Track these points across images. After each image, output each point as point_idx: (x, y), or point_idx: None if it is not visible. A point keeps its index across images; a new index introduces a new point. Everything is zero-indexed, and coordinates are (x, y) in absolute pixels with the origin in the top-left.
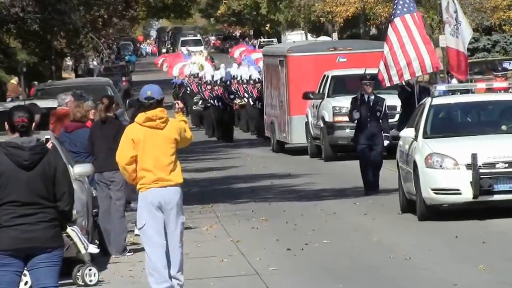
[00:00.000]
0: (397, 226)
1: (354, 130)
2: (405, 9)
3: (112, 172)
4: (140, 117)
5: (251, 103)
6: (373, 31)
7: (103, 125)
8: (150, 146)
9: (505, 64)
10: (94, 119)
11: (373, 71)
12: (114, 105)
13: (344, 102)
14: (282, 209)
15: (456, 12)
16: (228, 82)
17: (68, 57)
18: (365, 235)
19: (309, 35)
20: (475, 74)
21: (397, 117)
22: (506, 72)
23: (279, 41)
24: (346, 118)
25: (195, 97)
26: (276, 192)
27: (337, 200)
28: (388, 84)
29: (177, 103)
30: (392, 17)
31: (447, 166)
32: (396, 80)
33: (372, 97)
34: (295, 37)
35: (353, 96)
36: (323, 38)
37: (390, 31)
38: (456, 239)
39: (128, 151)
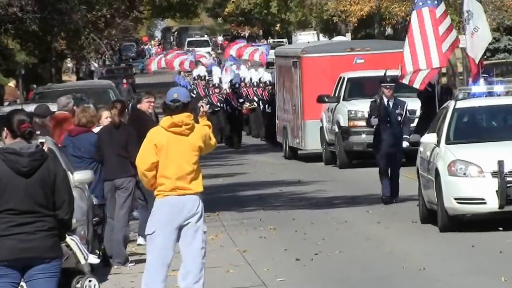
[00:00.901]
0: (411, 235)
1: (370, 136)
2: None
3: (122, 179)
4: (165, 121)
5: (261, 107)
6: (389, 31)
7: (116, 131)
8: (174, 153)
9: None
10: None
11: (394, 73)
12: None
13: (360, 106)
14: (291, 217)
15: (468, 11)
16: (237, 85)
17: (69, 59)
18: (378, 245)
19: (321, 35)
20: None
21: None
22: None
23: (290, 42)
24: (362, 123)
25: (201, 101)
26: (285, 200)
27: (349, 208)
28: (406, 82)
29: (202, 105)
30: (414, 8)
31: (471, 174)
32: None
33: (392, 100)
34: (306, 37)
35: (371, 100)
36: (339, 38)
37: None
38: (473, 248)
39: (149, 157)
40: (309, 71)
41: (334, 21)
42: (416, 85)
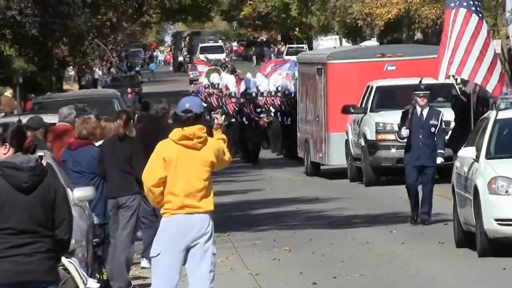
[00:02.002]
0: (437, 257)
1: (400, 150)
2: (472, 8)
3: (126, 197)
4: (176, 133)
5: (279, 118)
6: (418, 35)
7: (120, 143)
8: (183, 168)
9: None
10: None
11: (430, 81)
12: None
13: (389, 117)
14: (308, 237)
15: (510, 12)
16: (254, 94)
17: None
18: (402, 267)
19: (344, 40)
20: None
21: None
22: None
23: (310, 47)
24: (391, 136)
25: (213, 112)
26: (302, 219)
27: (370, 228)
28: (442, 77)
29: (216, 118)
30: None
31: None
32: (453, 71)
33: (426, 109)
34: (328, 42)
35: (403, 110)
36: (368, 42)
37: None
38: (504, 271)
39: (157, 171)
40: (335, 79)
41: (359, 25)
42: (478, 81)
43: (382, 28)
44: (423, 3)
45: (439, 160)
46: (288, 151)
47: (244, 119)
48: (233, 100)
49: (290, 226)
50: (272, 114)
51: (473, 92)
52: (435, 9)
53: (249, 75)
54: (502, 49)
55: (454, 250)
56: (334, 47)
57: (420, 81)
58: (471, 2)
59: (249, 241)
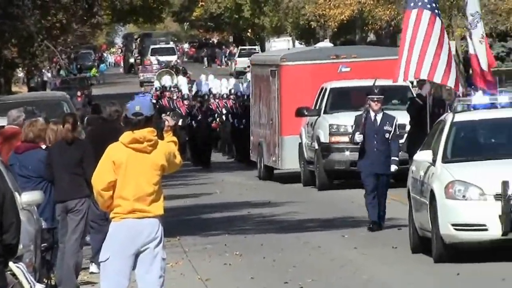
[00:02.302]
0: (390, 262)
1: (354, 153)
2: (428, 6)
3: (75, 201)
4: (126, 136)
5: (230, 121)
6: (371, 37)
7: (68, 147)
8: (133, 171)
9: None
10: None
11: (384, 82)
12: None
13: (343, 119)
14: (259, 242)
15: (473, 15)
16: (206, 97)
17: (20, 68)
18: (354, 272)
19: (296, 42)
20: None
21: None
22: None
23: (262, 49)
24: (346, 139)
25: (163, 114)
26: (253, 223)
27: (323, 232)
28: (401, 80)
29: (167, 119)
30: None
31: (471, 196)
32: (411, 75)
33: (380, 115)
34: (281, 44)
35: (357, 114)
36: (323, 44)
37: (412, 19)
38: (458, 276)
39: (107, 175)
40: (288, 81)
41: (312, 27)
42: (437, 80)
43: (335, 29)
44: (376, 4)
45: (393, 168)
46: (240, 154)
47: (194, 121)
48: (186, 102)
49: (241, 230)
50: (224, 116)
51: (429, 94)
52: (389, 10)
53: (203, 77)
54: (456, 51)
55: (408, 255)
56: (288, 49)
57: (374, 82)
58: (432, 3)
59: (199, 246)
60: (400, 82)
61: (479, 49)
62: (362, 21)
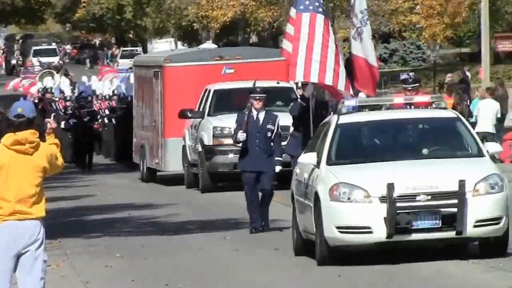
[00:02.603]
0: (272, 264)
1: (238, 155)
2: (320, 9)
3: None
4: (8, 138)
5: (114, 122)
6: (254, 38)
7: None
8: (15, 173)
9: (404, 75)
10: None
11: (265, 83)
12: None
13: (227, 121)
14: (140, 244)
15: (363, 12)
16: (89, 98)
17: None
18: (236, 274)
19: (179, 43)
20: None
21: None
22: (417, 84)
23: (145, 50)
24: (229, 141)
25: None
26: (135, 225)
27: (204, 234)
28: (300, 79)
29: (49, 122)
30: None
31: (356, 199)
32: (315, 78)
33: (263, 113)
34: (163, 45)
35: (239, 112)
36: (207, 45)
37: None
38: (340, 278)
39: None
40: (172, 83)
41: (194, 28)
42: (328, 81)
43: (218, 31)
44: (259, 6)
45: (277, 168)
46: (122, 156)
47: (77, 123)
48: (68, 104)
49: (122, 232)
50: (106, 118)
51: (312, 96)
52: (271, 12)
53: (84, 78)
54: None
55: (290, 258)
56: (172, 50)
57: (254, 84)
58: (317, 4)
59: (80, 248)
60: (300, 79)
61: (370, 46)
62: (245, 23)
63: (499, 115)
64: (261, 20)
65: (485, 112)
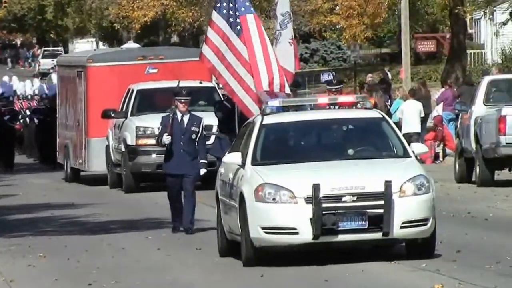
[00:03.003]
0: (195, 263)
1: (161, 156)
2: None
3: None
4: None
5: (35, 122)
6: (175, 38)
7: None
8: None
9: (325, 75)
10: None
11: (188, 84)
12: None
13: (150, 121)
14: (63, 243)
15: (284, 15)
16: (11, 99)
17: None
18: (158, 274)
19: (100, 43)
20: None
21: (213, 138)
22: (341, 86)
23: (66, 50)
24: (152, 141)
25: None
26: (57, 225)
27: (126, 234)
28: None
29: None
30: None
31: (282, 199)
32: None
33: (187, 116)
34: (84, 45)
35: (163, 115)
36: (130, 44)
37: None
38: (262, 278)
39: None
40: (95, 83)
41: (115, 28)
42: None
43: (139, 31)
44: (179, 7)
45: (203, 171)
46: (45, 156)
47: None
48: None
49: (45, 232)
50: (28, 118)
51: None
52: (193, 12)
53: (6, 78)
54: None
55: (212, 257)
56: (95, 50)
57: (178, 84)
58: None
59: (3, 247)
60: (265, 87)
61: (287, 51)
62: (165, 23)
63: (422, 115)
64: (182, 21)
65: (409, 113)
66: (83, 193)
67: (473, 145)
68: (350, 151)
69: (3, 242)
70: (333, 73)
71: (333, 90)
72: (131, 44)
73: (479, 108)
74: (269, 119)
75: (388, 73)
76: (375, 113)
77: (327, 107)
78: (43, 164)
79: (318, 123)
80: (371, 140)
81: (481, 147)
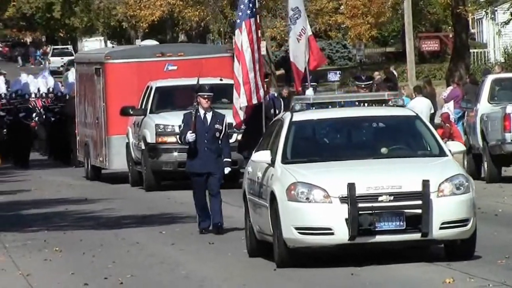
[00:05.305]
0: (208, 258)
1: (182, 154)
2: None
3: None
4: None
5: (51, 120)
6: (182, 37)
7: None
8: None
9: (331, 74)
10: None
11: (208, 81)
12: None
13: (171, 119)
14: (78, 238)
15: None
16: (26, 96)
17: None
18: (173, 268)
19: (108, 42)
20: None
21: (234, 137)
22: (370, 82)
23: (75, 48)
24: (173, 139)
25: None
26: (72, 220)
27: (140, 228)
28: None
29: None
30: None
31: (315, 199)
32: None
33: (210, 113)
34: (93, 44)
35: (185, 112)
36: (148, 41)
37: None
38: (275, 272)
39: None
40: (114, 79)
41: (123, 27)
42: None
43: (147, 30)
44: (186, 6)
45: (227, 170)
46: (59, 154)
47: (13, 121)
48: (3, 102)
49: (60, 226)
50: (43, 116)
51: (265, 94)
52: (199, 11)
53: (23, 76)
54: (267, 51)
55: (225, 252)
56: (113, 47)
57: (198, 81)
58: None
59: (19, 242)
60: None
61: (296, 48)
62: (172, 22)
63: (432, 111)
64: (189, 20)
65: (420, 109)
66: (103, 191)
67: (480, 142)
68: (384, 150)
69: (20, 236)
70: (340, 72)
71: (363, 86)
72: (149, 41)
73: (484, 106)
74: (298, 116)
75: (394, 71)
76: (408, 111)
77: (357, 104)
78: (57, 161)
79: (348, 120)
80: (405, 139)
81: (488, 144)
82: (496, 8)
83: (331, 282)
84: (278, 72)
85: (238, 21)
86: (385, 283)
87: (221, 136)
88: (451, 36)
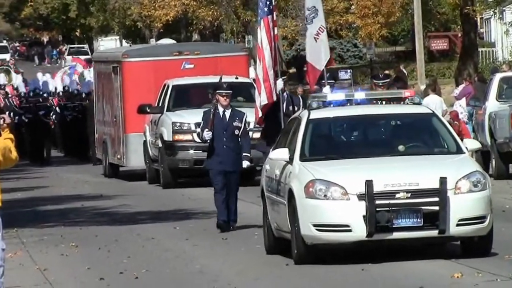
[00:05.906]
0: (221, 253)
1: (198, 152)
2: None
3: None
4: None
5: (68, 118)
6: (196, 36)
7: None
8: None
9: (341, 73)
10: None
11: (229, 79)
12: None
13: (187, 117)
14: (94, 233)
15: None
16: (45, 94)
17: None
18: (187, 263)
19: (124, 41)
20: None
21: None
22: (387, 80)
23: (91, 48)
24: (189, 137)
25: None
26: (88, 215)
27: (155, 224)
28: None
29: (4, 117)
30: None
31: (333, 196)
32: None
33: (229, 111)
34: (108, 43)
35: (204, 109)
36: (165, 40)
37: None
38: (287, 266)
39: None
40: (131, 78)
41: (138, 27)
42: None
43: (161, 30)
44: (200, 6)
45: (245, 164)
46: (77, 151)
47: (28, 119)
48: (22, 99)
49: (76, 222)
50: (59, 114)
51: (283, 91)
52: (212, 11)
53: (40, 75)
54: (278, 50)
55: (238, 247)
56: (130, 45)
57: (220, 79)
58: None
59: (36, 237)
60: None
61: (312, 47)
62: (186, 22)
63: (444, 108)
64: (202, 19)
65: (434, 106)
66: (120, 188)
67: (488, 139)
68: (401, 147)
69: (36, 232)
70: (351, 70)
71: (380, 84)
72: (166, 40)
73: (492, 104)
74: (316, 114)
75: (404, 70)
76: (425, 109)
77: (374, 102)
78: (74, 159)
79: (366, 118)
80: (422, 136)
81: (496, 142)
82: (504, 8)
83: (341, 277)
84: (289, 71)
85: (259, 18)
86: (394, 278)
87: (240, 134)
88: (460, 35)
